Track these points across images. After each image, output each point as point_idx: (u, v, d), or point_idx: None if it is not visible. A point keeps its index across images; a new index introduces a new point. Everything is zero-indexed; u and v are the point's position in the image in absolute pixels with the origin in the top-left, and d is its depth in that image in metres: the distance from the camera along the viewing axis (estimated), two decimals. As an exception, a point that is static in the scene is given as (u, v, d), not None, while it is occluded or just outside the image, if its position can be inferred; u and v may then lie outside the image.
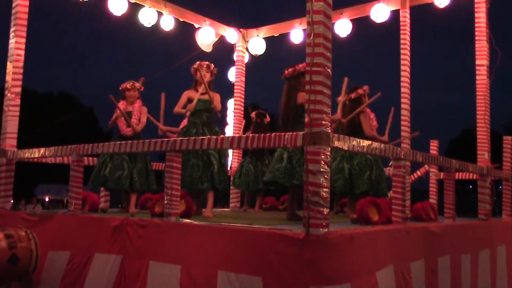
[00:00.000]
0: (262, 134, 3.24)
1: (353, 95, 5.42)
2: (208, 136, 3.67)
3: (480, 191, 5.51)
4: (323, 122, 2.93)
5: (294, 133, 3.06)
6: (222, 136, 3.47)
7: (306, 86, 2.99)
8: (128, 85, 5.27)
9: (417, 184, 7.67)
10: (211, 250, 3.34)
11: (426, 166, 6.86)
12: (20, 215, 4.71)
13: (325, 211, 2.91)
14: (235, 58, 8.01)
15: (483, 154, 5.69)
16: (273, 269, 3.00)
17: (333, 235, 2.95)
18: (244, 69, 8.02)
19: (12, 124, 5.12)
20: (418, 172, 7.03)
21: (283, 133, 3.13)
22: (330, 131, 2.97)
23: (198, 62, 5.03)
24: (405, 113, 6.30)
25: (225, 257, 3.25)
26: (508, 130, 35.64)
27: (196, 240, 3.47)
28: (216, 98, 4.94)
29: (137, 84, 5.33)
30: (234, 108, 7.89)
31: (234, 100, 7.93)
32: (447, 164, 4.67)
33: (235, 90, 7.92)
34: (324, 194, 2.91)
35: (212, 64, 5.07)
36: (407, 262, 3.80)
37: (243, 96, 7.96)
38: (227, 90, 8.05)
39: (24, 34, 5.21)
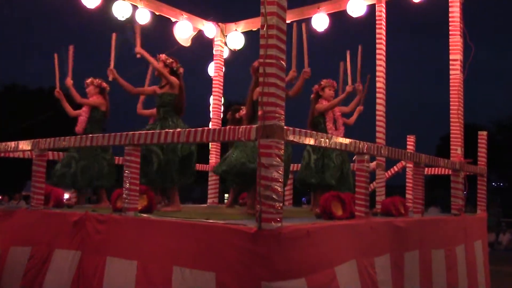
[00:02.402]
0: (217, 128, 3.19)
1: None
2: (165, 130, 3.61)
3: (453, 186, 5.48)
4: (276, 115, 2.88)
5: (248, 126, 3.01)
6: (178, 130, 3.41)
7: (260, 79, 2.94)
8: (87, 80, 5.36)
9: (396, 180, 7.68)
10: (167, 245, 3.29)
11: (402, 161, 6.84)
12: (-17, 211, 4.62)
13: (278, 205, 2.86)
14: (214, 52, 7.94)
15: (456, 149, 5.68)
16: (227, 265, 2.96)
17: (287, 229, 2.90)
18: (223, 64, 7.95)
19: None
20: (394, 167, 7.01)
21: (237, 127, 3.07)
22: (283, 124, 2.92)
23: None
24: (380, 108, 6.26)
25: (180, 252, 3.20)
26: (499, 126, 35.76)
27: (152, 235, 3.42)
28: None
29: (95, 81, 5.39)
30: (213, 104, 7.83)
31: (213, 95, 7.87)
32: (415, 159, 4.64)
33: (213, 85, 7.85)
34: (277, 188, 2.86)
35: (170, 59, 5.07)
36: (371, 257, 3.77)
37: (221, 91, 7.89)
38: (208, 86, 8.01)
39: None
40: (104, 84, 5.66)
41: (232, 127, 3.09)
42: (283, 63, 2.94)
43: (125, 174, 3.62)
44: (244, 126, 3.04)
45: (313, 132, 3.28)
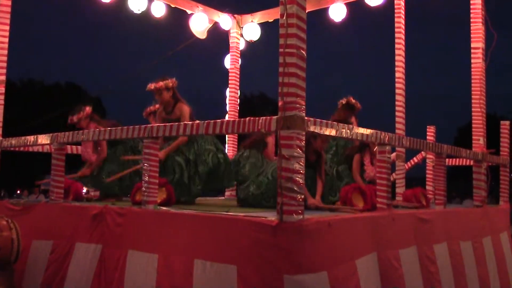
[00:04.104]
0: (237, 119, 3.14)
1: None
2: (184, 122, 3.58)
3: (475, 177, 5.39)
4: (297, 105, 2.82)
5: (268, 117, 2.96)
6: (197, 122, 3.38)
7: (280, 69, 2.88)
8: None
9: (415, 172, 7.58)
10: (187, 239, 3.27)
11: (422, 152, 6.73)
12: (4, 205, 4.66)
13: (300, 197, 2.82)
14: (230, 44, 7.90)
15: (478, 139, 5.56)
16: (248, 258, 2.92)
17: (308, 222, 2.86)
18: (239, 55, 7.90)
19: (-4, 113, 5.06)
20: (414, 158, 6.91)
21: (257, 118, 3.03)
22: (304, 114, 2.86)
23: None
24: (399, 99, 6.16)
25: (201, 246, 3.18)
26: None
27: (173, 228, 3.40)
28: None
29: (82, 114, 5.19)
30: (229, 96, 7.80)
31: (229, 88, 7.84)
32: (437, 150, 4.55)
33: (229, 78, 7.82)
34: (298, 180, 2.81)
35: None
36: (395, 249, 3.70)
37: (238, 84, 7.86)
38: (224, 78, 7.97)
39: (8, 22, 5.13)
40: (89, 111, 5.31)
41: (251, 118, 3.04)
42: (303, 52, 2.89)
43: (144, 167, 3.60)
44: (264, 118, 2.99)
45: (334, 123, 3.22)
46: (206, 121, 3.27)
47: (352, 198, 3.80)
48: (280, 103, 2.84)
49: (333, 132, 3.16)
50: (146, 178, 3.60)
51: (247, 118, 3.06)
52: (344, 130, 3.26)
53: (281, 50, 2.87)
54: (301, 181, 2.82)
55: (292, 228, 2.79)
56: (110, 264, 3.70)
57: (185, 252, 3.25)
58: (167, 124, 3.57)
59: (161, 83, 4.80)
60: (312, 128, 2.96)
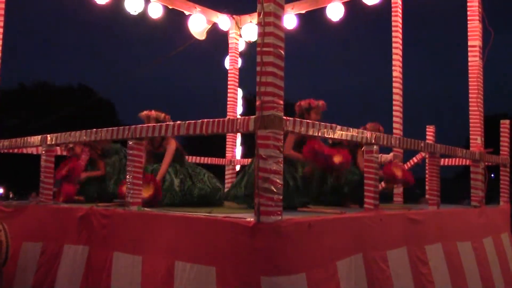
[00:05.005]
0: (216, 119, 3.11)
1: None
2: (166, 123, 3.56)
3: (472, 177, 5.31)
4: (275, 105, 2.79)
5: (247, 117, 2.93)
6: (178, 122, 3.35)
7: (257, 68, 2.85)
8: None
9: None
10: (169, 240, 3.25)
11: (422, 152, 6.64)
12: (-4, 207, 4.67)
13: (277, 198, 2.78)
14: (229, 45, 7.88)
15: (476, 139, 5.48)
16: (226, 259, 2.89)
17: (286, 223, 2.82)
18: (238, 56, 7.88)
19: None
20: (414, 158, 6.81)
21: (236, 118, 2.99)
22: (282, 114, 2.82)
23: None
24: (397, 98, 6.09)
25: (182, 247, 3.16)
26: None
27: (155, 229, 3.38)
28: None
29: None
30: (228, 97, 7.77)
31: (228, 89, 7.81)
32: (430, 149, 4.49)
33: (228, 78, 7.80)
34: (276, 180, 2.77)
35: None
36: (382, 250, 3.65)
37: (237, 84, 7.83)
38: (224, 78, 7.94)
39: (1, 24, 5.16)
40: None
41: (230, 118, 3.01)
42: (281, 51, 2.85)
43: (128, 168, 3.59)
44: (242, 117, 2.96)
45: (315, 122, 3.18)
46: (187, 122, 3.25)
47: (392, 169, 4.62)
48: (257, 103, 2.81)
49: (314, 132, 3.12)
50: (130, 179, 3.59)
51: (226, 118, 3.03)
52: (326, 130, 3.21)
53: (258, 49, 2.84)
54: (279, 181, 2.78)
55: (269, 229, 2.75)
56: (97, 265, 3.70)
57: (167, 253, 3.23)
58: (150, 125, 3.55)
59: (153, 113, 4.80)
60: (290, 128, 2.93)
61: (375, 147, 3.69)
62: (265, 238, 2.76)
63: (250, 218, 2.87)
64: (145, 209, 3.62)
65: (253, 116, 2.86)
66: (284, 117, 2.85)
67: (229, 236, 2.88)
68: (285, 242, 2.79)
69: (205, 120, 3.13)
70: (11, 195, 20.59)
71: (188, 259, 3.08)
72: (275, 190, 2.76)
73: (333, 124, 3.33)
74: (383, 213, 3.74)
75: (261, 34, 2.83)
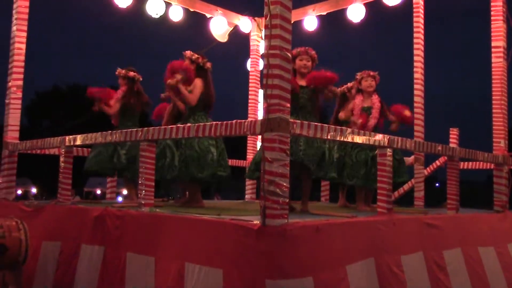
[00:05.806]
0: (225, 122, 3.12)
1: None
2: (177, 125, 3.59)
3: (495, 181, 5.18)
4: (281, 107, 2.78)
5: (254, 120, 2.93)
6: (188, 125, 3.38)
7: (264, 70, 2.85)
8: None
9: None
10: (179, 242, 3.27)
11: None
12: (17, 206, 4.80)
13: (283, 201, 2.77)
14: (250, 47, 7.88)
15: (499, 142, 5.33)
16: (233, 262, 2.89)
17: (293, 226, 2.80)
18: (260, 58, 7.87)
19: (14, 117, 5.22)
20: (437, 162, 6.69)
21: (243, 121, 3.00)
22: (288, 117, 2.81)
23: None
24: (418, 100, 5.98)
25: (192, 249, 3.17)
26: None
27: (167, 231, 3.41)
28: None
29: (122, 71, 5.63)
30: (249, 99, 7.78)
31: (249, 91, 7.82)
32: (449, 153, 4.39)
33: (250, 80, 7.80)
34: (282, 183, 2.76)
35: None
36: (396, 255, 3.59)
37: (258, 86, 7.82)
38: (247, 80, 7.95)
39: (25, 28, 5.29)
40: (131, 74, 5.65)
41: (238, 121, 3.02)
42: (288, 53, 2.84)
43: (141, 170, 3.63)
44: (249, 120, 2.96)
45: (323, 124, 3.15)
46: (196, 124, 3.27)
47: (403, 111, 5.08)
48: (264, 105, 2.81)
49: (322, 135, 3.09)
50: (143, 181, 3.63)
51: (234, 121, 3.03)
52: (334, 133, 3.18)
53: (265, 52, 2.84)
54: (285, 184, 2.77)
55: (275, 232, 2.74)
56: (111, 266, 3.75)
57: (178, 255, 3.25)
58: (162, 128, 3.58)
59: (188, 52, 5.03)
60: (298, 131, 2.91)
61: (388, 150, 3.63)
62: (270, 241, 2.75)
63: (256, 221, 2.87)
64: (157, 210, 3.66)
65: (260, 119, 2.86)
66: (291, 120, 2.84)
67: (235, 239, 2.88)
68: (291, 246, 2.78)
69: (213, 122, 3.15)
70: (43, 196, 21.13)
71: (197, 261, 3.09)
72: (280, 193, 2.75)
73: (343, 128, 3.30)
74: (396, 217, 3.68)
75: (268, 37, 2.83)
